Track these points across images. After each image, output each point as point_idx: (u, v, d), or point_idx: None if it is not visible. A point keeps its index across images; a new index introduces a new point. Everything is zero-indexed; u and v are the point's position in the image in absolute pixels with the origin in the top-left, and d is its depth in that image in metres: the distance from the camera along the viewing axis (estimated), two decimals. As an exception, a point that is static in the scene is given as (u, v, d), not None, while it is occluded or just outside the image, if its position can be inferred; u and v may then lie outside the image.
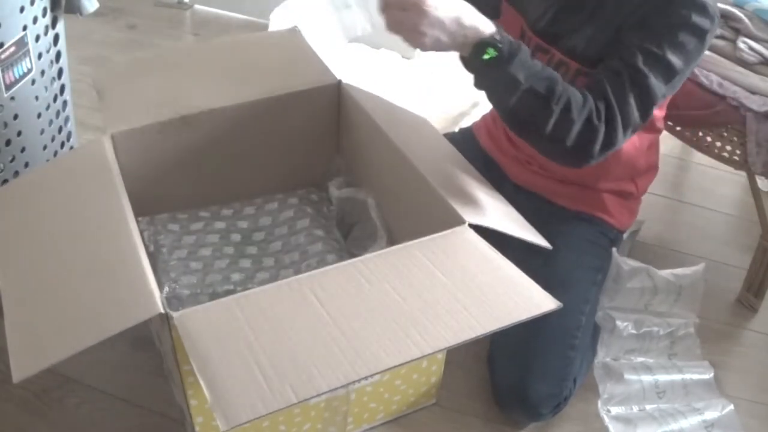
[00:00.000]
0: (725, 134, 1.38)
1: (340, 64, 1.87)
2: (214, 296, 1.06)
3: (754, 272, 1.44)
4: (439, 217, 1.01)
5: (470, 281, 0.89)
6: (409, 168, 1.09)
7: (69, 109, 1.45)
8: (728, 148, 1.39)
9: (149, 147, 1.16)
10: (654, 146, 1.30)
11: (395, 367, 0.78)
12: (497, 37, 0.96)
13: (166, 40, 2.20)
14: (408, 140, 1.13)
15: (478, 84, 1.02)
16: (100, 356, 1.23)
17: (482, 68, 0.98)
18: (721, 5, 1.39)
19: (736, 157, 1.39)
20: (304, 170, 1.33)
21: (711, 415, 1.19)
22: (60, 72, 1.39)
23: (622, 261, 1.23)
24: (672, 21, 1.03)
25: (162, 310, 0.82)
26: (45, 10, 1.28)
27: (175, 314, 0.82)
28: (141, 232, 1.04)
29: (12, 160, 1.28)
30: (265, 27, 1.94)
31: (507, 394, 1.17)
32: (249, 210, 1.25)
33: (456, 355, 1.24)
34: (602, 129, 1.01)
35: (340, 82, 1.26)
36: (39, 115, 1.32)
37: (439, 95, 1.94)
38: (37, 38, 1.26)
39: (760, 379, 1.33)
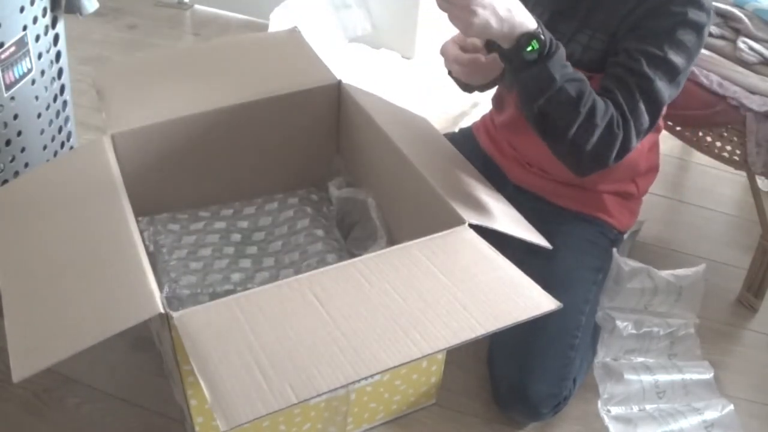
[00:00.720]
0: (725, 134, 1.38)
1: (340, 64, 1.88)
2: (214, 296, 1.06)
3: (754, 272, 1.44)
4: (439, 217, 1.01)
5: (470, 281, 0.89)
6: (409, 168, 1.09)
7: (69, 109, 1.45)
8: (728, 148, 1.39)
9: (149, 147, 1.16)
10: (655, 147, 1.30)
11: (395, 367, 0.78)
12: (541, 32, 0.96)
13: (166, 40, 2.20)
14: (408, 140, 1.13)
15: (513, 78, 1.02)
16: (100, 356, 1.23)
17: (522, 62, 0.98)
18: (721, 5, 1.39)
19: (736, 157, 1.39)
20: (304, 170, 1.33)
21: (711, 415, 1.19)
22: (60, 72, 1.39)
23: (623, 261, 1.23)
24: (669, 20, 1.04)
25: (162, 310, 0.82)
26: (45, 10, 1.28)
27: (175, 314, 0.82)
28: (141, 232, 1.04)
29: (12, 160, 1.28)
30: (265, 27, 1.94)
31: (507, 394, 1.17)
32: (249, 210, 1.25)
33: (456, 355, 1.24)
34: (620, 136, 1.03)
35: (340, 82, 1.26)
36: (39, 115, 1.32)
37: (439, 95, 1.94)
38: (37, 38, 1.26)
39: (760, 379, 1.33)
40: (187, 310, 0.83)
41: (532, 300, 0.87)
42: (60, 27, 1.35)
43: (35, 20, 1.24)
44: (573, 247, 1.24)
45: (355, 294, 0.86)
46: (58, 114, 1.41)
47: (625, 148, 1.05)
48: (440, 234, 0.95)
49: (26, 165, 1.31)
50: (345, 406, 1.09)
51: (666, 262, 1.51)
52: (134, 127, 1.13)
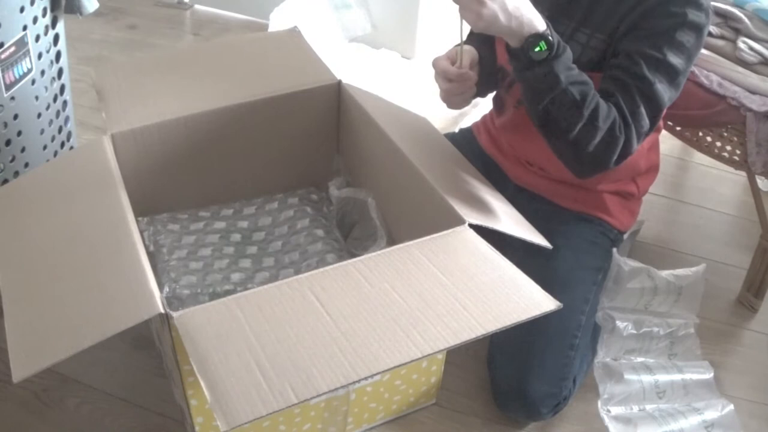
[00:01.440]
0: (725, 134, 1.38)
1: (340, 64, 1.88)
2: (214, 296, 1.06)
3: (754, 272, 1.44)
4: (439, 217, 1.01)
5: (470, 281, 0.89)
6: (409, 168, 1.09)
7: (69, 109, 1.45)
8: (728, 148, 1.39)
9: (149, 147, 1.16)
10: (655, 147, 1.30)
11: (395, 367, 0.78)
12: (550, 33, 0.97)
13: (166, 40, 2.20)
14: (408, 140, 1.13)
15: (518, 76, 1.02)
16: (100, 356, 1.23)
17: (529, 61, 0.98)
18: (721, 5, 1.39)
19: (736, 157, 1.39)
20: (304, 170, 1.33)
21: (711, 415, 1.19)
22: (60, 72, 1.39)
23: (623, 261, 1.23)
24: (668, 21, 1.04)
25: (162, 310, 0.82)
26: (45, 10, 1.28)
27: (175, 314, 0.82)
28: (141, 232, 1.04)
29: (12, 160, 1.28)
30: (265, 27, 1.95)
31: (507, 393, 1.17)
32: (249, 210, 1.25)
33: (456, 355, 1.25)
34: (622, 140, 1.03)
35: (340, 82, 1.26)
36: (39, 115, 1.32)
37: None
38: (37, 38, 1.26)
39: (760, 379, 1.33)
40: (187, 310, 0.83)
41: (532, 300, 0.87)
42: (60, 27, 1.35)
43: (35, 20, 1.25)
44: (573, 247, 1.24)
45: (355, 294, 0.86)
46: (58, 114, 1.41)
47: (626, 151, 1.05)
48: (440, 234, 0.95)
49: (26, 165, 1.31)
50: (345, 406, 1.09)
51: (666, 262, 1.51)
52: (134, 127, 1.13)
